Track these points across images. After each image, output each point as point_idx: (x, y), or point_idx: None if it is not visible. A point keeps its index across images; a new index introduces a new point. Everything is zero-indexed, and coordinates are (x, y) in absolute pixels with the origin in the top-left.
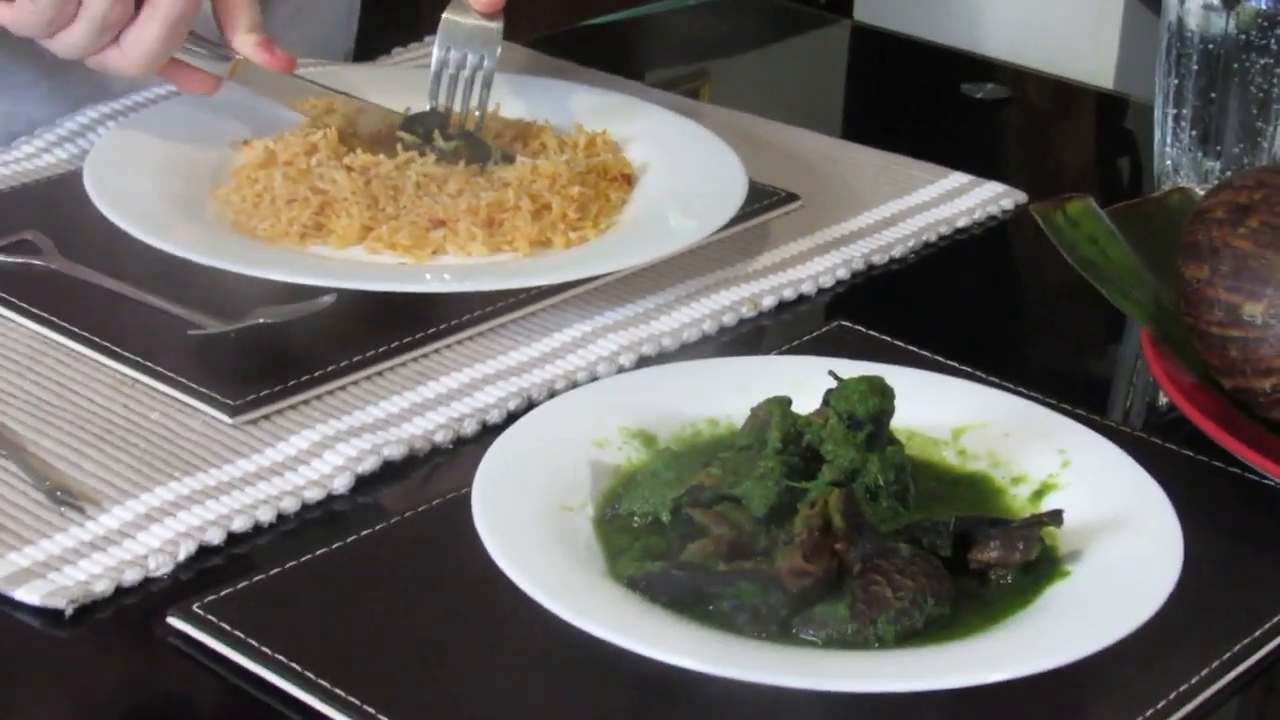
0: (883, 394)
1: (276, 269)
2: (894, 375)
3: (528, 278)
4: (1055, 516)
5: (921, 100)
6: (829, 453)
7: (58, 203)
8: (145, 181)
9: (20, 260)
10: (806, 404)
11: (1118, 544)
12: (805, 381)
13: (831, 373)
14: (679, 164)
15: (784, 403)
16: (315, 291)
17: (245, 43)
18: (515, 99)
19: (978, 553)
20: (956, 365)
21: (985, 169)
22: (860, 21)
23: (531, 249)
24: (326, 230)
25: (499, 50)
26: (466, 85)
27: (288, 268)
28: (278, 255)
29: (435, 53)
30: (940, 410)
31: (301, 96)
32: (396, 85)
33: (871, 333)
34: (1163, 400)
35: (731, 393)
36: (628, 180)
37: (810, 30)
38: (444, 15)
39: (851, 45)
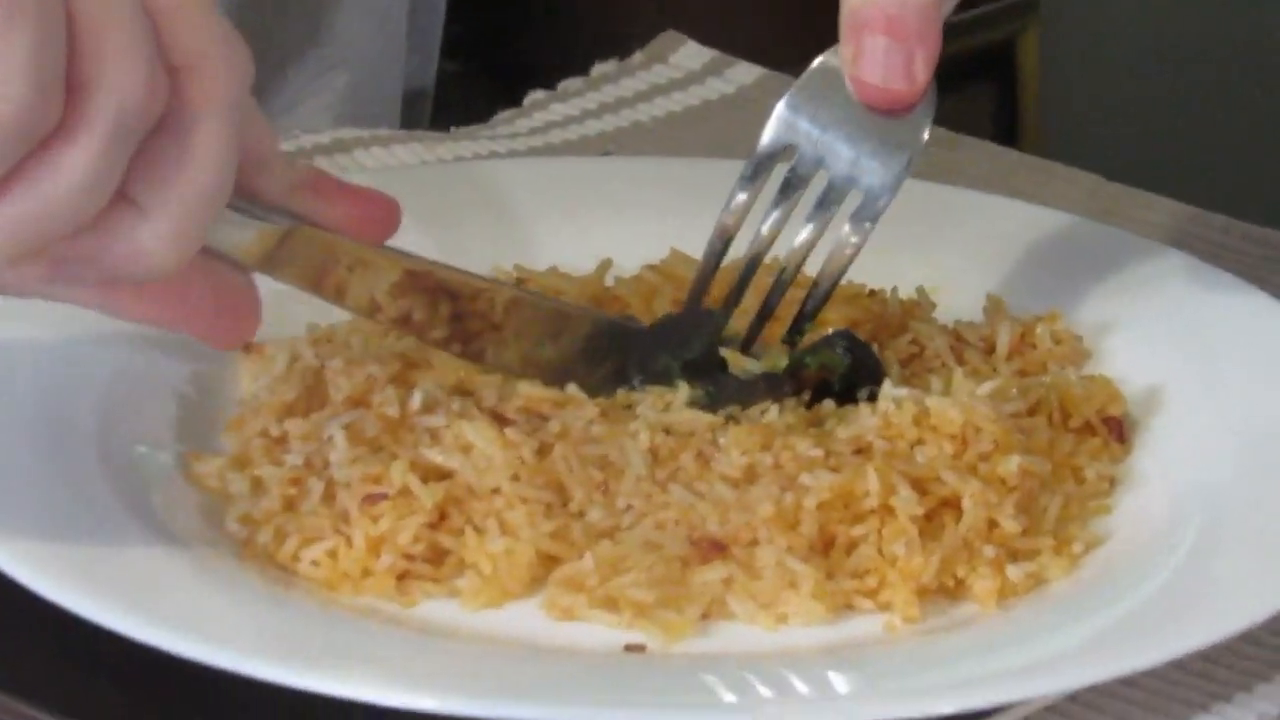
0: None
1: (371, 681)
2: None
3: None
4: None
5: None
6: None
7: None
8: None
9: None
10: None
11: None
12: None
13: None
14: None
15: None
16: None
17: (286, 183)
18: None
19: None
20: None
21: None
22: None
23: (921, 612)
24: (449, 568)
25: (904, 170)
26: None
27: (393, 676)
28: (368, 642)
29: (761, 145)
30: None
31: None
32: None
33: None
34: None
35: None
36: (1117, 428)
37: None
38: (813, 66)
39: None
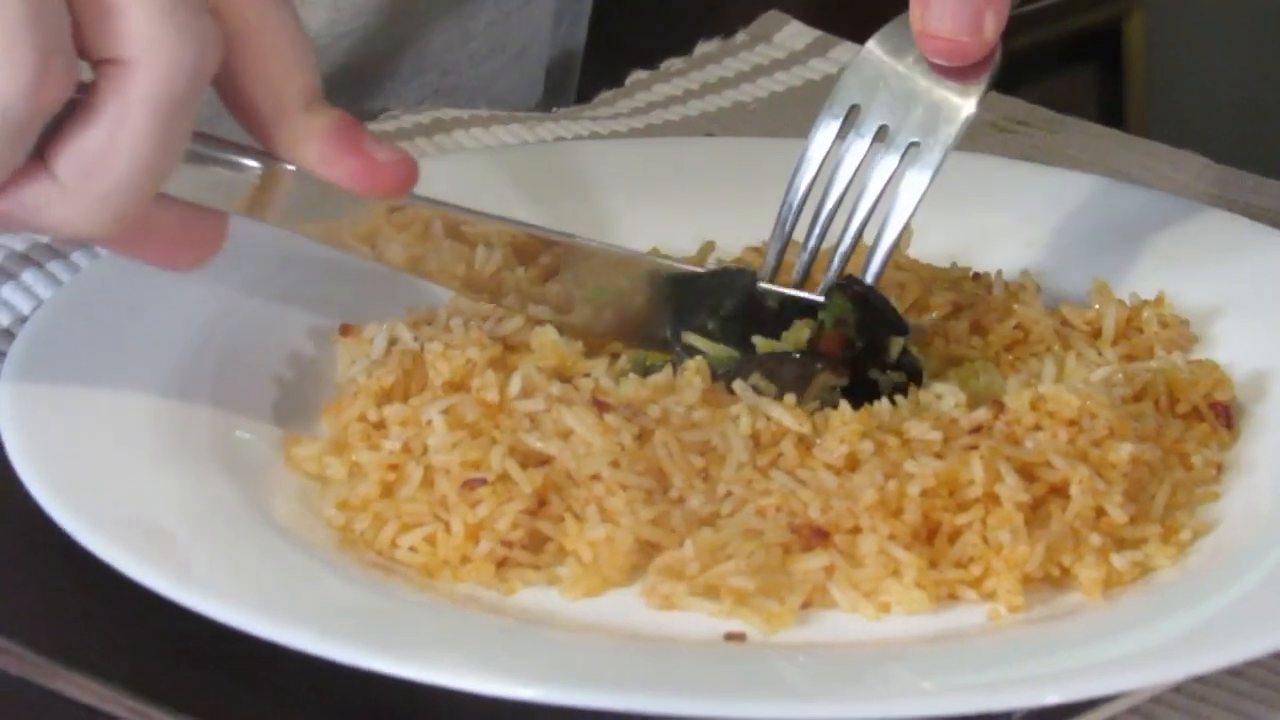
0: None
1: (470, 670)
2: None
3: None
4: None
5: None
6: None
7: None
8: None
9: None
10: None
11: None
12: None
13: None
14: None
15: None
16: None
17: (301, 133)
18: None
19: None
20: None
21: None
22: None
23: (1026, 601)
24: (548, 555)
25: (955, 134)
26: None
27: (493, 665)
28: (467, 631)
29: (818, 124)
30: None
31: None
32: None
33: None
34: None
35: None
36: (1224, 414)
37: None
38: (869, 43)
39: None
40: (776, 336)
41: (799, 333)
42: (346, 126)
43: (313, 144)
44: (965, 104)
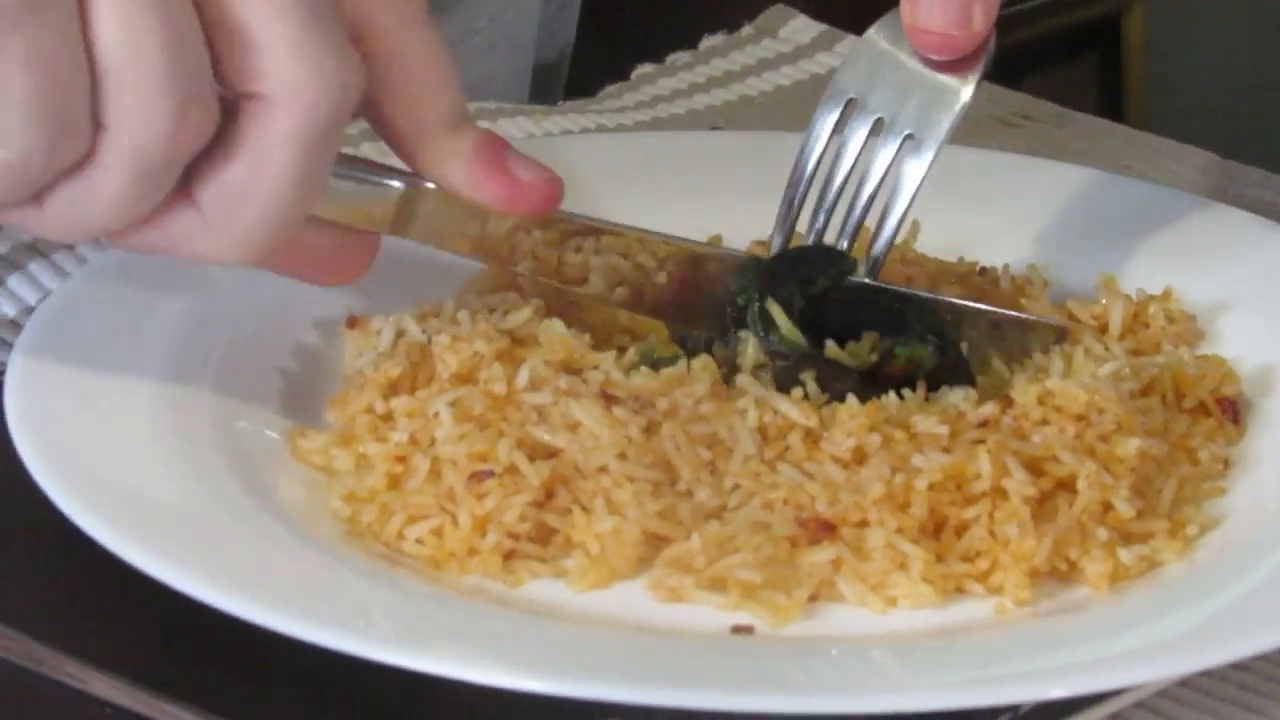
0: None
1: (476, 662)
2: None
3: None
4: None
5: None
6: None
7: None
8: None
9: None
10: None
11: None
12: None
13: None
14: None
15: None
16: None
17: (446, 156)
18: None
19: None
20: None
21: None
22: None
23: (1032, 595)
24: (555, 548)
25: (949, 125)
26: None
27: (500, 657)
28: (473, 623)
29: (817, 117)
30: None
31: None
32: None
33: None
34: None
35: None
36: (1231, 409)
37: None
38: (866, 35)
39: None
40: (848, 333)
41: (867, 347)
42: (490, 147)
43: (457, 165)
44: (961, 93)
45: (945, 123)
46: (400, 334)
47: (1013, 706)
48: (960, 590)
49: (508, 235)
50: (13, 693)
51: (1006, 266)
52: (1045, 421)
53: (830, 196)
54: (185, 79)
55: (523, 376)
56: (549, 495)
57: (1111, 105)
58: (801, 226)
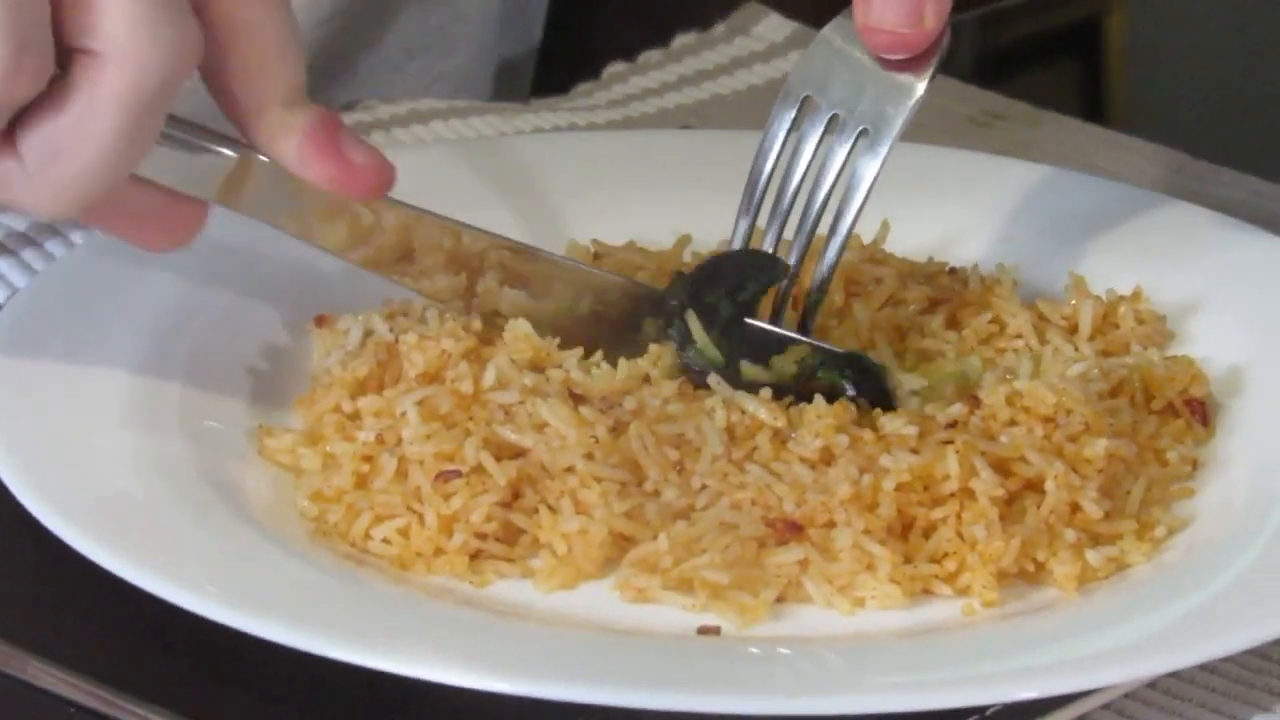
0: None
1: (442, 662)
2: None
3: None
4: None
5: None
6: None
7: None
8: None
9: None
10: None
11: None
12: None
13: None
14: None
15: None
16: None
17: (279, 130)
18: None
19: None
20: None
21: None
22: None
23: (1000, 596)
24: (522, 548)
25: (901, 121)
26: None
27: (465, 657)
28: (439, 623)
29: (774, 116)
30: None
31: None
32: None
33: None
34: None
35: None
36: (1200, 410)
37: None
38: (822, 33)
39: None
40: (771, 346)
41: (788, 362)
42: (325, 126)
43: (290, 141)
44: (914, 89)
45: (899, 119)
46: (368, 333)
47: (980, 708)
48: (928, 591)
49: (479, 253)
50: None
51: (976, 266)
52: (1013, 422)
53: (787, 196)
54: (23, 26)
55: (490, 375)
56: (516, 495)
57: (1092, 107)
58: (762, 224)
